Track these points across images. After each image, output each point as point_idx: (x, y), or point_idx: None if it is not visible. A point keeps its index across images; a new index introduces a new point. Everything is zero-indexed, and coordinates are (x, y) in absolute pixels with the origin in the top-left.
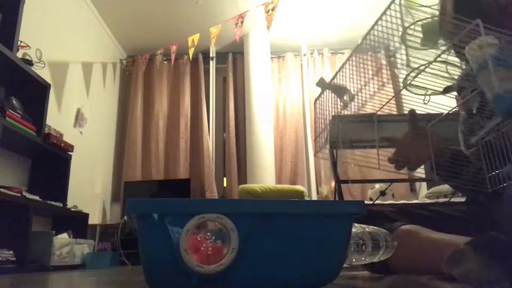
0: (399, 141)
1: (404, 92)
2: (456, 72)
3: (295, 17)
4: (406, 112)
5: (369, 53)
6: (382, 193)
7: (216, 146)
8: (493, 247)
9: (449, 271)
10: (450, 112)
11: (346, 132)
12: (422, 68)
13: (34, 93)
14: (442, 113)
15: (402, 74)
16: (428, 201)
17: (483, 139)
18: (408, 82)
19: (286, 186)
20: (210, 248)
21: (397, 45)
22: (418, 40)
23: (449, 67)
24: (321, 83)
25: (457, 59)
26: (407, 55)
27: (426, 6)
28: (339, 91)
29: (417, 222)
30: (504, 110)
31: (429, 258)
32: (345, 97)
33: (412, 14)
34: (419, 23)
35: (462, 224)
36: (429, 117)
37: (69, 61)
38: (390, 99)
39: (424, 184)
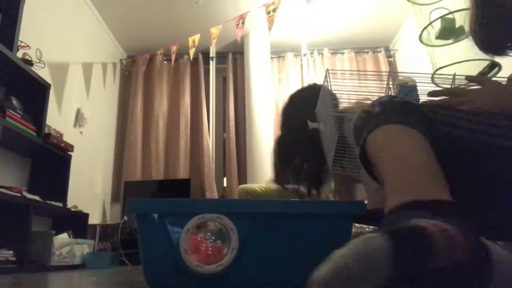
0: None
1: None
2: None
3: (295, 17)
4: None
5: None
6: None
7: (216, 146)
8: None
9: None
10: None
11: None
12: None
13: (34, 93)
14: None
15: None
16: None
17: None
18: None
19: None
20: (210, 248)
21: None
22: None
23: None
24: None
25: None
26: None
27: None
28: None
29: None
30: None
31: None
32: None
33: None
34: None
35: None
36: None
37: (69, 61)
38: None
39: None
